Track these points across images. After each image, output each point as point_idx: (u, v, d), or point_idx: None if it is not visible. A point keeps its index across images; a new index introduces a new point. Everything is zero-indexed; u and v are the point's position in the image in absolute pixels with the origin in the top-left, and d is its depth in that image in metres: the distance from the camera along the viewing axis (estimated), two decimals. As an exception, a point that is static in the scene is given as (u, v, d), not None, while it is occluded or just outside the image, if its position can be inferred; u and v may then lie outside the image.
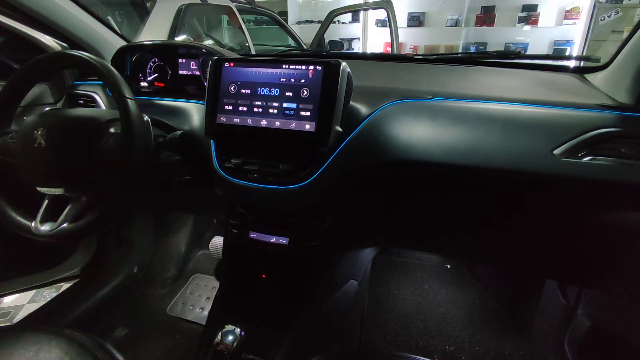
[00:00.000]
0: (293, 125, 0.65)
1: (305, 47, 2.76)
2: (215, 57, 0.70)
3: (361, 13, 3.96)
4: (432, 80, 0.90)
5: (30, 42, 0.98)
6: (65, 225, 0.65)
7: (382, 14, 3.59)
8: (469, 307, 1.39)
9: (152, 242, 1.56)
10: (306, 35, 3.35)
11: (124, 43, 1.09)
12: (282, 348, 0.81)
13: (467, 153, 0.65)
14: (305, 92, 0.64)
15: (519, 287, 1.32)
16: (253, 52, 2.11)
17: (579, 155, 0.61)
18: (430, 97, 0.73)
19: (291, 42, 2.93)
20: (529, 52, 3.56)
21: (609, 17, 3.12)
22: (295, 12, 4.45)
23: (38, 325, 0.67)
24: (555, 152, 0.61)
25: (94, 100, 0.97)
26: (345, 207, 0.85)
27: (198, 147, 0.78)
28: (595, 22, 3.18)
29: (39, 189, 0.67)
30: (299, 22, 4.41)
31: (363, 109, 0.72)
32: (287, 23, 3.35)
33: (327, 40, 2.85)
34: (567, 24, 3.38)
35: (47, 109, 1.02)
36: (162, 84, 0.97)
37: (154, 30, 1.44)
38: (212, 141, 0.76)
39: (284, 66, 0.66)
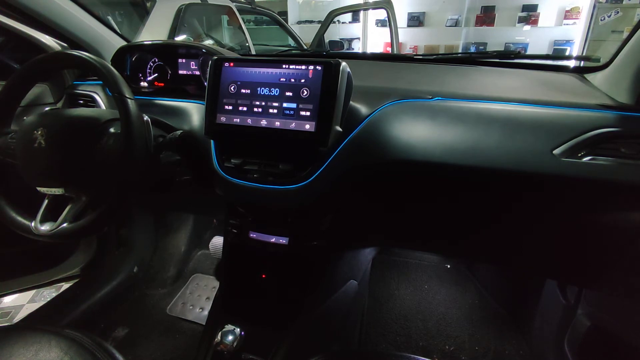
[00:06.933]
0: (293, 125, 0.65)
1: (305, 47, 2.76)
2: (215, 57, 0.70)
3: (361, 13, 3.96)
4: (432, 80, 0.90)
5: (30, 42, 0.98)
6: (65, 225, 0.65)
7: (382, 14, 3.58)
8: (469, 307, 1.39)
9: (152, 242, 1.56)
10: (306, 35, 3.35)
11: (124, 43, 1.09)
12: (282, 348, 0.81)
13: (467, 153, 0.65)
14: (305, 92, 0.64)
15: (519, 287, 1.32)
16: (253, 52, 2.11)
17: (579, 155, 0.61)
18: (430, 97, 0.73)
19: (291, 42, 2.93)
20: (529, 52, 3.55)
21: (609, 17, 3.12)
22: (295, 12, 4.45)
23: (38, 325, 0.67)
24: (555, 152, 0.61)
25: (94, 100, 0.97)
26: (345, 207, 0.85)
27: (198, 147, 0.78)
28: (595, 22, 3.18)
29: (38, 189, 0.67)
30: (299, 22, 4.41)
31: (363, 108, 0.72)
32: (287, 23, 3.35)
33: (327, 40, 2.85)
34: (567, 24, 3.37)
35: (47, 109, 1.02)
36: (162, 84, 0.97)
37: (154, 30, 1.44)
38: (212, 141, 0.76)
39: (284, 66, 0.66)
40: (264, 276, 0.86)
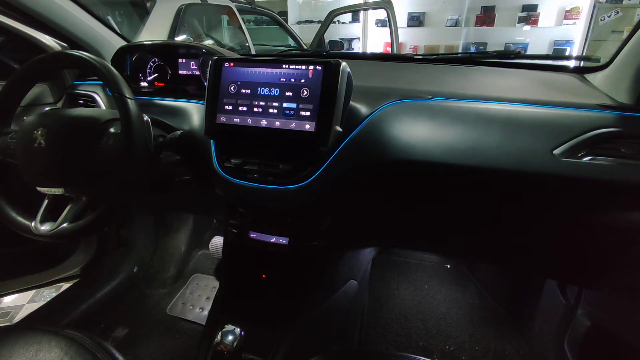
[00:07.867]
0: (293, 125, 0.65)
1: (305, 47, 2.76)
2: (215, 57, 0.70)
3: (361, 13, 3.96)
4: (432, 80, 0.90)
5: (30, 42, 0.98)
6: (65, 225, 0.65)
7: (382, 14, 3.58)
8: (469, 307, 1.39)
9: (152, 242, 1.56)
10: (306, 35, 3.35)
11: (124, 43, 1.09)
12: (282, 348, 0.81)
13: (467, 153, 0.65)
14: (305, 92, 0.64)
15: (519, 287, 1.32)
16: (253, 52, 2.11)
17: (579, 155, 0.61)
18: (430, 97, 0.73)
19: (291, 42, 2.93)
20: (529, 52, 3.56)
21: (609, 17, 3.12)
22: (295, 12, 4.45)
23: (38, 325, 0.67)
24: (555, 152, 0.61)
25: (94, 100, 0.97)
26: (345, 207, 0.85)
27: (198, 147, 0.78)
28: (595, 22, 3.18)
29: (38, 189, 0.67)
30: (299, 22, 4.41)
31: (363, 108, 0.72)
32: (287, 23, 3.35)
33: (327, 40, 2.85)
34: (567, 24, 3.38)
35: (47, 109, 1.02)
36: (162, 84, 0.97)
37: (154, 30, 1.44)
38: (212, 141, 0.76)
39: (284, 66, 0.66)
40: (264, 276, 0.86)
